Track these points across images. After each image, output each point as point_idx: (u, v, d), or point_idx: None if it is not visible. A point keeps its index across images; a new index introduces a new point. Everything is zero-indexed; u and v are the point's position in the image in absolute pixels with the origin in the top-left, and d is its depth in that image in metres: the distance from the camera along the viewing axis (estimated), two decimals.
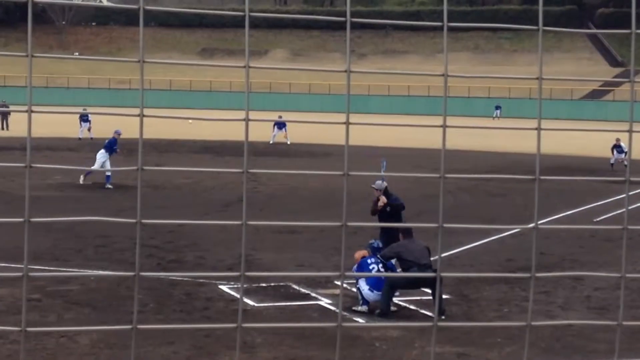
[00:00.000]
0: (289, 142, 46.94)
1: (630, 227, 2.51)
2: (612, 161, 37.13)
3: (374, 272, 14.19)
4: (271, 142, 46.94)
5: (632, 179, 2.67)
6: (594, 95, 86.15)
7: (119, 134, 28.50)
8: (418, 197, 24.16)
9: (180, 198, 26.06)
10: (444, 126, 2.49)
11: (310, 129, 47.97)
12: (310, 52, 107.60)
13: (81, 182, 28.54)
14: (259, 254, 17.76)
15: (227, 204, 24.65)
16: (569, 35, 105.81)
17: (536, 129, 2.49)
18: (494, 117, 78.76)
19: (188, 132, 49.44)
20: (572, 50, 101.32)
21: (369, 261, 14.23)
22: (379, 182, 16.99)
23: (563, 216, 24.10)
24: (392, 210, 16.46)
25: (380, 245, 14.61)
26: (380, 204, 16.39)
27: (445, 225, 2.45)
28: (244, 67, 2.38)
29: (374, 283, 13.88)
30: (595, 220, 23.03)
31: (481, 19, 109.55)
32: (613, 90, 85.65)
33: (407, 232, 14.65)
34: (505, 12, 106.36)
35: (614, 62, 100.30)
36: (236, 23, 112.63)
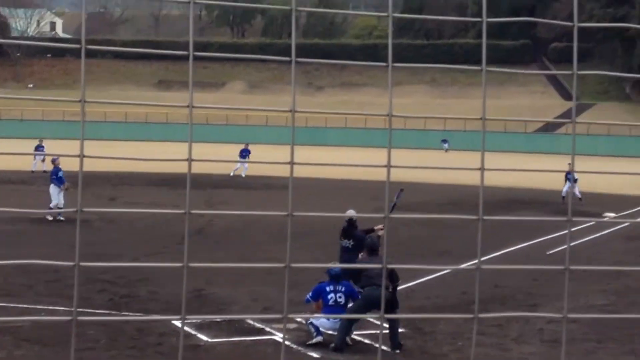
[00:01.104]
0: (243, 175, 46.76)
1: (572, 267, 2.50)
2: (563, 193, 37.48)
3: (331, 302, 13.91)
4: (236, 174, 46.90)
5: (574, 218, 2.67)
6: (548, 128, 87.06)
7: (54, 161, 28.29)
8: None
9: (135, 231, 25.84)
10: (388, 166, 2.48)
11: (265, 160, 47.95)
12: (267, 84, 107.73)
13: (49, 218, 28.08)
14: (214, 288, 17.65)
15: (184, 236, 24.44)
16: (523, 68, 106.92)
17: (479, 169, 2.49)
18: (445, 151, 79.09)
19: (144, 164, 49.18)
20: (526, 84, 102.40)
21: (327, 289, 14.00)
22: (350, 211, 16.97)
23: (517, 249, 24.26)
24: (356, 244, 16.22)
25: (338, 270, 14.19)
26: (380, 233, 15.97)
27: (388, 266, 2.43)
28: (187, 106, 2.35)
29: (330, 311, 13.77)
30: (548, 253, 23.20)
31: (438, 53, 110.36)
32: (566, 123, 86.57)
33: (372, 250, 14.56)
34: (461, 45, 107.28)
35: (567, 95, 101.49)
36: (193, 56, 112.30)
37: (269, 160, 47.56)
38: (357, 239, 16.19)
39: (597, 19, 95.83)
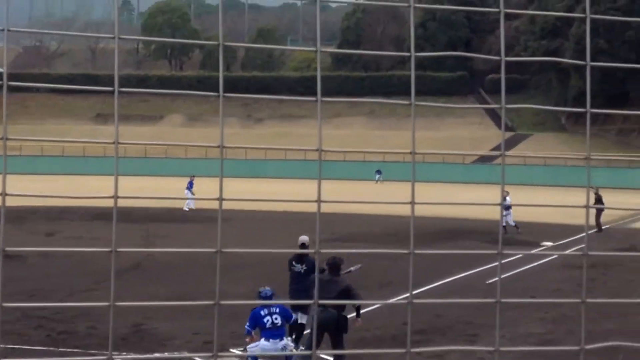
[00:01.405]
0: (186, 209, 46.39)
1: (503, 300, 2.51)
2: (503, 223, 37.83)
3: (268, 324, 13.89)
4: (186, 208, 46.41)
5: (504, 251, 2.68)
6: (485, 159, 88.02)
7: None
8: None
9: (71, 266, 25.49)
10: (319, 201, 2.46)
11: (211, 194, 47.61)
12: (206, 116, 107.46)
13: None
14: (154, 323, 17.46)
15: (121, 271, 24.22)
16: (460, 100, 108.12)
17: (410, 202, 2.49)
18: (376, 181, 79.24)
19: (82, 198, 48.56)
20: (463, 115, 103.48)
21: (262, 312, 13.95)
22: (303, 237, 16.91)
23: (458, 278, 24.39)
24: (309, 268, 16.36)
25: (271, 292, 14.20)
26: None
27: (320, 301, 2.41)
28: (113, 142, 2.32)
29: (269, 334, 13.76)
30: (487, 282, 23.37)
31: (376, 84, 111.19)
32: (502, 154, 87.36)
33: (334, 269, 14.52)
34: (399, 77, 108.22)
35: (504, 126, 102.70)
36: (131, 88, 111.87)
37: (206, 194, 47.26)
38: (310, 263, 16.43)
39: (531, 50, 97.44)
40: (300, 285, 16.28)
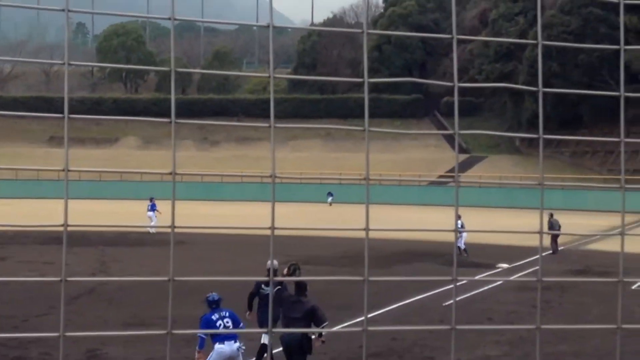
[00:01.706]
0: (151, 231, 45.90)
1: (458, 327, 2.50)
2: (459, 244, 38.15)
3: (221, 329, 14.20)
4: (152, 231, 45.88)
5: (459, 277, 2.67)
6: (441, 181, 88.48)
7: None
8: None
9: (26, 291, 25.17)
10: (272, 228, 2.44)
11: (168, 217, 47.40)
12: (162, 139, 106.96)
13: None
14: (109, 348, 17.27)
15: (76, 296, 23.99)
16: (416, 123, 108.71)
17: (364, 229, 2.47)
18: (329, 204, 79.08)
19: (37, 222, 48.13)
20: (420, 137, 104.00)
21: (213, 317, 14.19)
22: (272, 261, 16.81)
23: (414, 300, 24.43)
24: (280, 291, 15.99)
25: (218, 297, 14.49)
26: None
27: (274, 330, 2.38)
28: (63, 170, 2.28)
29: (223, 337, 14.03)
30: (444, 304, 23.43)
31: (332, 107, 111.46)
32: (456, 179, 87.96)
33: (301, 289, 14.65)
34: (355, 100, 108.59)
35: (459, 149, 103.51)
36: (85, 111, 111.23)
37: (162, 217, 47.00)
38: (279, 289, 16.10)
39: (485, 74, 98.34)
40: (267, 307, 16.04)
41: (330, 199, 79.78)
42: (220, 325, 14.02)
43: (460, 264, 30.07)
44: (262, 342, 16.22)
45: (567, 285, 27.28)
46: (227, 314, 14.35)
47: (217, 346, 13.97)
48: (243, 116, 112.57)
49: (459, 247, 38.33)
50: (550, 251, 37.97)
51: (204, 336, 14.09)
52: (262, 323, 16.58)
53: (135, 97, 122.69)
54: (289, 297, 14.58)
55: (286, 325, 14.03)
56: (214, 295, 14.55)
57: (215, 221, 54.05)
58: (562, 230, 38.26)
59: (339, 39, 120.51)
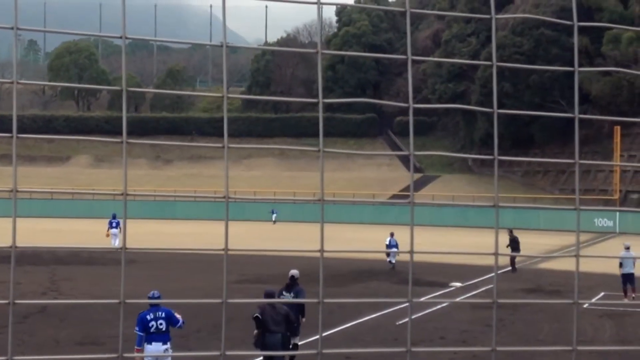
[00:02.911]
0: (118, 247, 45.35)
1: (413, 349, 2.48)
2: (391, 259, 39.10)
3: (152, 329, 14.78)
4: (116, 244, 45.45)
5: (414, 299, 2.65)
6: (394, 199, 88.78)
7: None
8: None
9: None
10: (226, 250, 2.41)
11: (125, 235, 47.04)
12: (114, 157, 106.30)
13: None
14: None
15: (26, 315, 23.70)
16: (369, 142, 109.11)
17: (319, 250, 2.44)
18: (273, 222, 78.67)
19: None
20: (373, 157, 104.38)
21: (148, 317, 14.83)
22: (294, 270, 19.42)
23: (369, 319, 24.43)
24: (296, 297, 18.36)
25: (158, 294, 15.12)
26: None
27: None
28: (11, 190, 2.23)
29: (152, 338, 14.73)
30: (397, 323, 23.46)
31: (286, 125, 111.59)
32: (408, 195, 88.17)
33: (270, 297, 16.08)
34: (309, 119, 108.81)
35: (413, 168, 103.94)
36: (37, 129, 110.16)
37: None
38: (297, 292, 18.64)
39: (438, 93, 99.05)
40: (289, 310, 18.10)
41: (274, 216, 79.50)
42: (152, 325, 14.67)
43: (413, 283, 30.14)
44: (293, 342, 18.01)
45: (518, 304, 27.45)
46: (164, 314, 14.90)
47: (146, 346, 14.68)
48: (196, 134, 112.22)
49: (390, 262, 38.98)
50: (509, 268, 38.24)
51: (141, 334, 14.74)
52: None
53: (88, 115, 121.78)
54: (263, 307, 16.18)
55: (269, 331, 16.19)
56: (155, 292, 15.12)
57: (169, 239, 53.75)
58: (521, 249, 38.55)
59: (292, 59, 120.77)
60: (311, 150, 2.54)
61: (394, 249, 38.44)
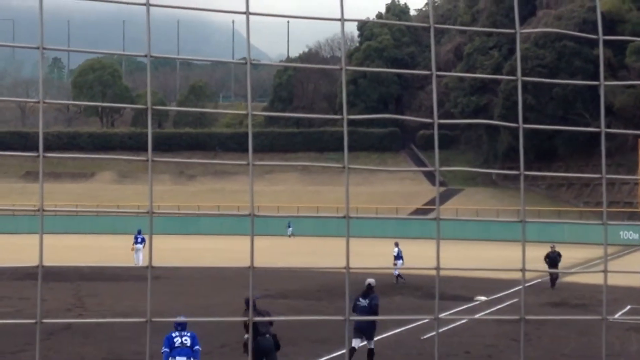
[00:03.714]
0: (140, 264, 45.53)
1: None
2: (396, 273, 38.94)
3: (177, 344, 15.25)
4: (139, 264, 45.55)
5: (440, 315, 2.63)
6: (418, 213, 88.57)
7: None
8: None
9: (1, 326, 24.90)
10: (251, 267, 2.40)
11: (145, 251, 47.15)
12: (137, 173, 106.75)
13: None
14: None
15: (52, 332, 23.78)
16: (392, 156, 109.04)
17: (344, 268, 2.43)
18: (289, 236, 78.56)
19: (13, 256, 47.78)
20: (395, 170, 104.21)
21: (173, 334, 15.32)
22: (370, 279, 20.76)
23: (392, 334, 24.34)
24: (370, 302, 20.28)
25: (182, 321, 15.28)
26: None
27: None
28: (38, 210, 2.24)
29: (177, 352, 15.11)
30: (422, 337, 23.36)
31: (309, 140, 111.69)
32: (437, 218, 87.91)
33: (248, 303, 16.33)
34: (332, 133, 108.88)
35: (435, 182, 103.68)
36: (61, 146, 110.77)
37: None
38: (372, 299, 20.28)
39: (461, 107, 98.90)
40: (363, 317, 19.50)
41: (289, 230, 79.52)
42: (177, 340, 15.16)
43: (431, 296, 30.00)
44: (352, 345, 19.50)
45: (543, 316, 27.25)
46: (188, 334, 15.38)
47: None
48: (220, 150, 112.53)
49: (398, 275, 39.00)
50: (537, 281, 38.17)
51: (167, 349, 15.16)
52: (358, 330, 19.71)
53: (112, 131, 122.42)
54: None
55: (260, 334, 16.59)
56: (181, 317, 15.48)
57: (193, 255, 53.84)
58: (540, 261, 38.33)
59: (314, 74, 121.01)
60: (336, 167, 2.54)
61: (400, 261, 38.75)
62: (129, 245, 48.51)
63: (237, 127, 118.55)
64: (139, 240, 47.81)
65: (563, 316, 26.72)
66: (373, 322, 19.72)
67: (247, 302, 17.23)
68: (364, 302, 20.39)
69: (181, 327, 15.37)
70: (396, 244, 40.40)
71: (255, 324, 16.09)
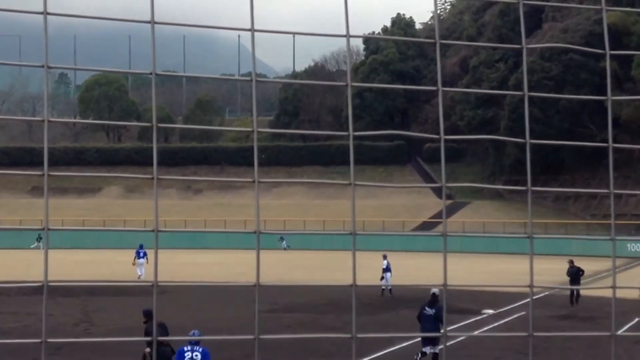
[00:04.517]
0: (143, 274, 45.74)
1: None
2: (383, 286, 38.76)
3: (187, 358, 15.30)
4: (142, 274, 45.72)
5: (449, 334, 2.62)
6: (424, 227, 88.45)
7: None
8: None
9: (4, 344, 24.90)
10: (257, 285, 2.39)
11: (151, 266, 47.14)
12: (144, 188, 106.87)
13: None
14: None
15: (59, 346, 23.76)
16: (399, 169, 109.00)
17: (351, 285, 2.42)
18: (284, 249, 78.33)
19: (20, 272, 47.77)
20: (402, 184, 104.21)
21: (185, 348, 15.38)
22: (435, 288, 21.89)
23: (399, 348, 24.29)
24: (437, 311, 21.79)
25: (198, 334, 15.76)
26: None
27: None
28: (43, 229, 2.23)
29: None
30: (428, 352, 23.28)
31: (314, 154, 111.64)
32: (440, 222, 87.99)
33: (148, 315, 17.84)
34: (337, 147, 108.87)
35: (441, 195, 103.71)
36: (68, 161, 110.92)
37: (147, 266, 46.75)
38: (437, 309, 21.65)
39: (467, 119, 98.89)
40: (429, 324, 21.62)
41: (283, 243, 79.39)
42: (187, 355, 15.23)
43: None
44: (422, 349, 21.73)
45: (551, 331, 27.19)
46: (200, 350, 15.43)
47: None
48: (226, 164, 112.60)
49: (388, 288, 38.87)
50: (544, 294, 37.98)
51: None
52: (426, 337, 21.16)
53: (118, 146, 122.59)
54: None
55: None
56: (195, 332, 15.67)
57: (199, 269, 53.80)
58: (552, 275, 38.20)
59: (320, 87, 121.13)
60: (343, 183, 2.53)
61: (389, 274, 38.78)
62: (132, 259, 48.46)
63: (243, 142, 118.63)
64: (141, 254, 47.76)
65: (571, 332, 26.66)
66: (438, 329, 21.16)
67: (145, 313, 19.03)
68: (430, 311, 21.96)
69: (194, 342, 15.45)
70: (384, 257, 40.44)
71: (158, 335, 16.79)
